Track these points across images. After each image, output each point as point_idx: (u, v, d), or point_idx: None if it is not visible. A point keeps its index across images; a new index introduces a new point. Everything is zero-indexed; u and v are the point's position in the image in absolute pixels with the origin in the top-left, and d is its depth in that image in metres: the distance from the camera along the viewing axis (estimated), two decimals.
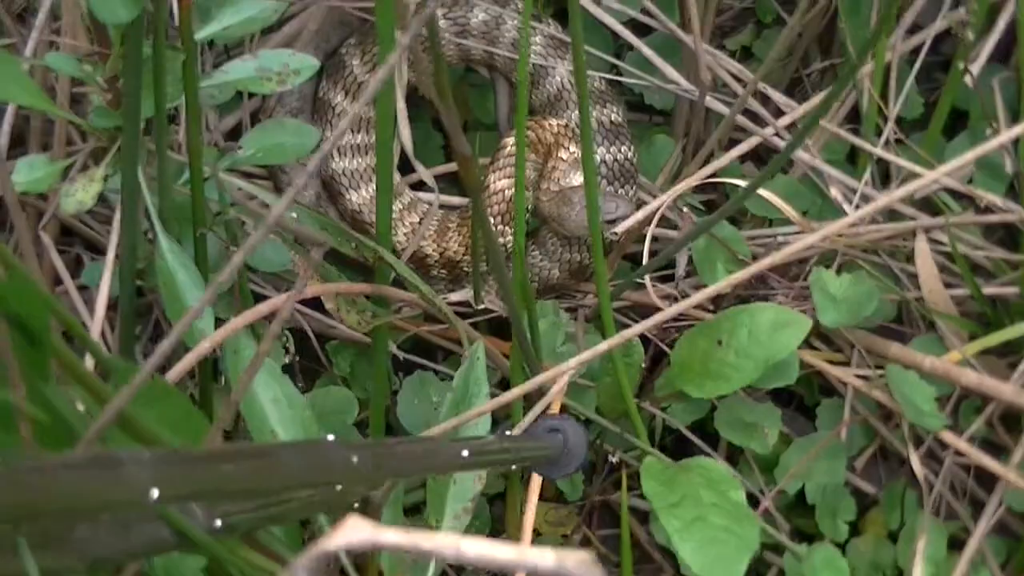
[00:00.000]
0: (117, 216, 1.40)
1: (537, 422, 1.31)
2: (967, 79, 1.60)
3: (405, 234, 1.72)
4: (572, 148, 1.68)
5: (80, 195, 1.30)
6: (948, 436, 1.56)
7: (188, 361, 1.27)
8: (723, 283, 1.52)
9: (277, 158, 1.49)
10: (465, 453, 1.09)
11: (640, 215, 1.64)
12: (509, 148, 1.68)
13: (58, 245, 1.64)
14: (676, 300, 1.58)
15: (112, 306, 1.47)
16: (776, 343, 1.49)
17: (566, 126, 1.69)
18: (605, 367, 1.58)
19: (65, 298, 1.57)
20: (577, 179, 1.68)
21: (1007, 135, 1.45)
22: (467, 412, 1.37)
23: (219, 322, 1.36)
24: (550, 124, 1.69)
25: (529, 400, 1.45)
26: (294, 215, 1.38)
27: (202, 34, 1.33)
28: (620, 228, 1.61)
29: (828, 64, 1.95)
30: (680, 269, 1.68)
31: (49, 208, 1.61)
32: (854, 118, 1.78)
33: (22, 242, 1.43)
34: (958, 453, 1.57)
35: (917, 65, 1.77)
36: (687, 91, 1.72)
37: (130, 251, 1.33)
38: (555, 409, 1.46)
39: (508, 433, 1.34)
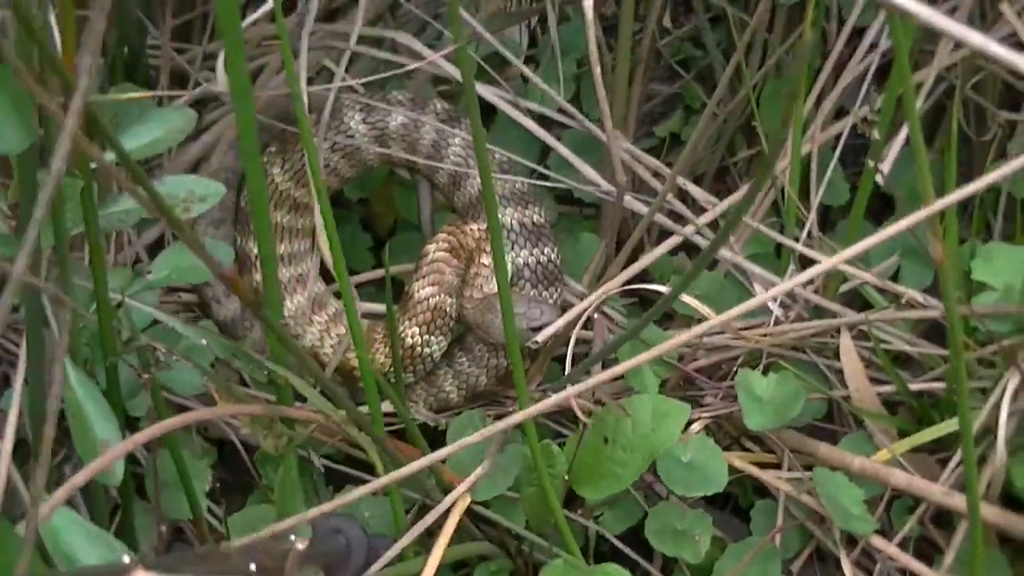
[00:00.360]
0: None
1: (319, 522, 1.29)
2: (878, 177, 1.59)
3: (332, 346, 1.70)
4: None
5: None
6: (878, 541, 1.53)
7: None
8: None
9: (190, 278, 1.47)
10: (253, 567, 1.09)
11: (562, 321, 1.61)
12: (431, 255, 1.67)
13: None
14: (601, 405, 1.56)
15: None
16: (660, 434, 1.49)
17: (487, 230, 1.68)
18: (529, 478, 1.55)
19: None
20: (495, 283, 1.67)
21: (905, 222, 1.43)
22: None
23: None
24: (471, 229, 1.68)
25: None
26: (203, 342, 1.35)
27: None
28: (542, 337, 1.59)
29: (755, 152, 1.95)
30: (596, 379, 1.65)
31: None
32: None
33: None
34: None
35: (838, 151, 1.77)
36: (606, 192, 1.70)
37: (36, 381, 1.31)
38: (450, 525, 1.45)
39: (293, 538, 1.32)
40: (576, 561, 1.49)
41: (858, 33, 1.84)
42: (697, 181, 1.97)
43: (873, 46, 1.85)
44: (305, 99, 1.63)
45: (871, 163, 1.47)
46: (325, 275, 1.77)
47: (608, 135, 1.64)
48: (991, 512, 1.48)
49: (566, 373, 1.63)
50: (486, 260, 1.66)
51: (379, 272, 1.85)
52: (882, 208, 1.89)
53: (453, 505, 1.49)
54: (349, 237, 1.95)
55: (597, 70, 1.54)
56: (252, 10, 1.71)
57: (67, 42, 1.10)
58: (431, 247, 1.68)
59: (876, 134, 1.42)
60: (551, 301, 1.69)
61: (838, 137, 1.77)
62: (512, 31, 2.00)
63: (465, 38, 1.16)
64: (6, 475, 1.22)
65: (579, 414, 1.53)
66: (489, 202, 1.23)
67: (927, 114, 1.83)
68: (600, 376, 1.22)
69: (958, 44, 1.64)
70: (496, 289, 1.64)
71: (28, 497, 1.33)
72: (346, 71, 1.72)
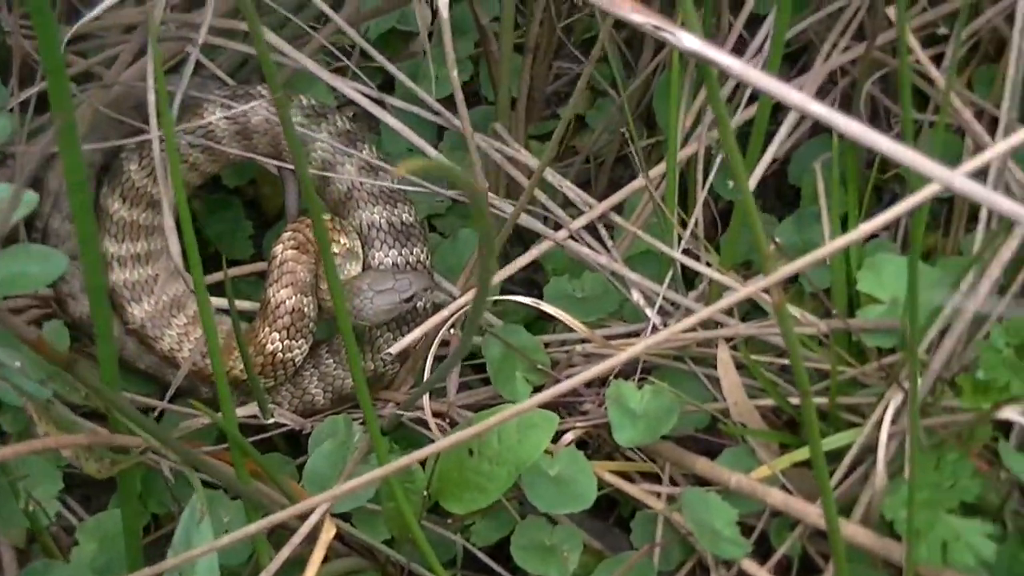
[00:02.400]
0: None
1: None
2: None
3: (190, 350, 1.62)
4: (342, 240, 1.60)
5: None
6: (749, 564, 1.46)
7: None
8: (527, 403, 1.42)
9: (21, 287, 1.37)
10: None
11: (424, 328, 1.54)
12: (280, 256, 1.59)
13: None
14: (451, 422, 1.48)
15: None
16: (526, 446, 1.43)
17: (331, 219, 1.60)
18: (388, 491, 1.47)
19: None
20: (356, 268, 1.60)
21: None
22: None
23: None
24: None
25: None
26: (17, 363, 1.27)
27: None
28: (399, 345, 1.52)
29: (655, 141, 1.86)
30: (452, 387, 1.58)
31: None
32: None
33: None
34: None
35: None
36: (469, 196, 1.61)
37: None
38: (320, 551, 1.37)
39: None
40: None
41: (758, 19, 1.75)
42: (599, 168, 1.90)
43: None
44: (153, 92, 1.53)
45: (729, 184, 1.39)
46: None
47: (468, 140, 1.55)
48: (866, 537, 1.40)
49: (426, 375, 1.55)
50: (335, 248, 1.59)
51: (256, 266, 1.76)
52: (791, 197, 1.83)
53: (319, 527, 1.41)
54: (230, 225, 1.88)
55: None
56: None
57: None
58: (278, 248, 1.60)
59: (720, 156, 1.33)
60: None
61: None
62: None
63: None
64: None
65: (434, 429, 1.46)
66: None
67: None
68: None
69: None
70: (352, 274, 1.59)
71: None
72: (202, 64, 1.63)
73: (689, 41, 0.80)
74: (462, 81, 1.82)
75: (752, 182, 1.55)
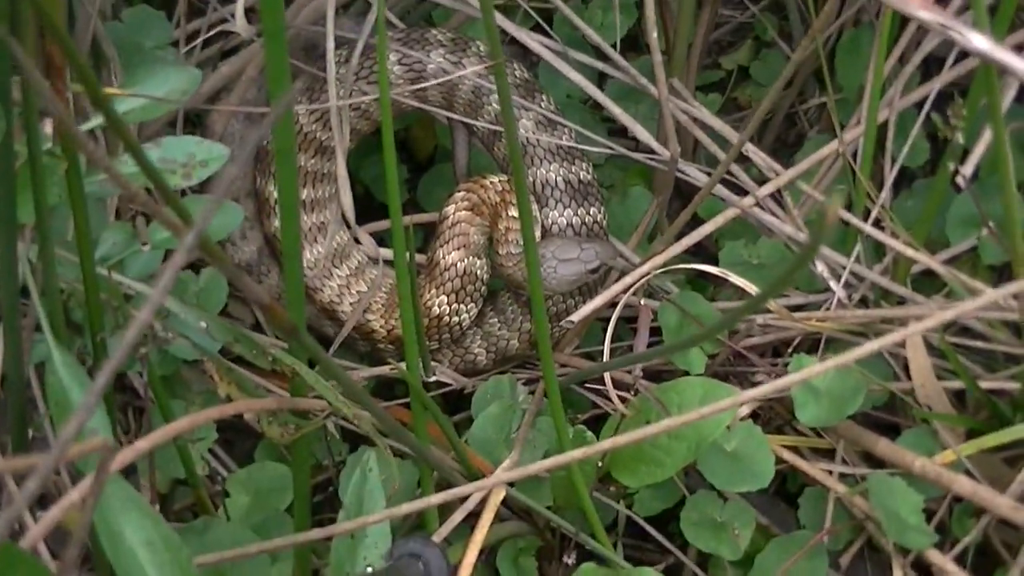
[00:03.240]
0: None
1: (396, 544, 1.19)
2: (959, 180, 1.43)
3: (352, 304, 1.58)
4: None
5: None
6: (934, 555, 1.40)
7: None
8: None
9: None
10: None
11: (602, 299, 1.49)
12: (452, 216, 1.54)
13: None
14: (635, 391, 1.43)
15: None
16: (708, 422, 1.35)
17: (508, 181, 1.54)
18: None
19: None
20: (536, 234, 1.54)
21: None
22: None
23: None
24: (491, 182, 1.55)
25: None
26: (203, 324, 1.23)
27: (93, 123, 1.18)
28: (582, 314, 1.47)
29: (826, 101, 1.78)
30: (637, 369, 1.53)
31: None
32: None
33: None
34: None
35: (921, 117, 1.61)
36: (660, 159, 1.55)
37: (14, 367, 1.19)
38: (488, 517, 1.34)
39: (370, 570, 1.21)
40: (612, 562, 1.38)
41: None
42: (764, 126, 1.83)
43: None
44: (332, 39, 1.48)
45: (950, 166, 1.31)
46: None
47: (662, 99, 1.48)
48: None
49: (606, 345, 1.50)
50: (514, 212, 1.54)
51: (414, 217, 1.71)
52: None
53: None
54: (383, 168, 1.82)
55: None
56: None
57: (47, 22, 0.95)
58: (450, 208, 1.55)
59: (960, 138, 1.26)
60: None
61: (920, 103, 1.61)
62: None
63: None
64: None
65: (616, 404, 1.41)
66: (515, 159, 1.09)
67: None
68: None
69: None
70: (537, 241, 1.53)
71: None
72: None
73: (979, 41, 0.76)
74: (626, 29, 1.77)
75: (969, 168, 1.47)
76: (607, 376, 1.45)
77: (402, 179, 1.83)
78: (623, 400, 1.44)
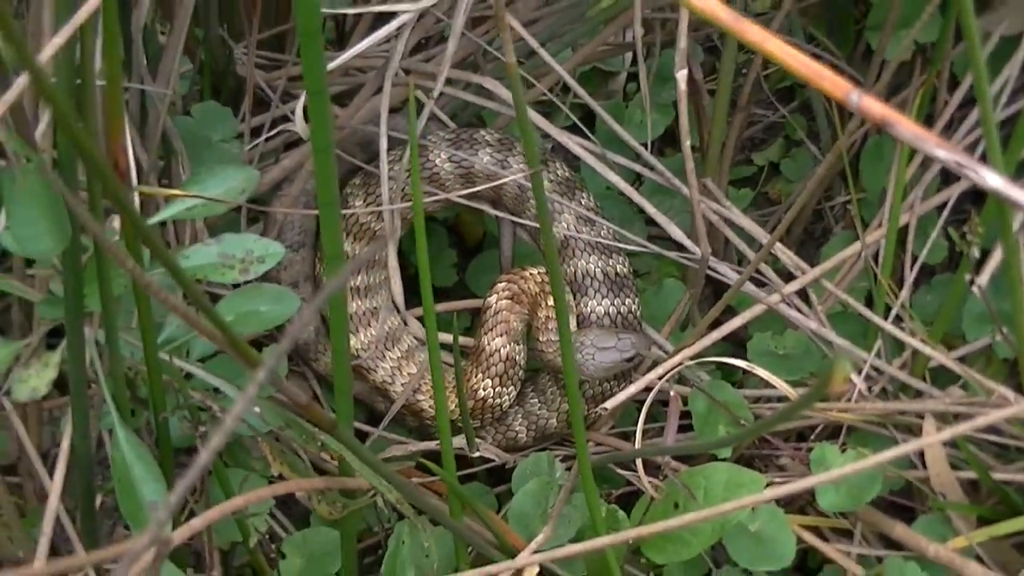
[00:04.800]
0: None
1: None
2: (975, 290, 1.52)
3: (403, 384, 1.69)
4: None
5: (33, 381, 1.25)
6: None
7: None
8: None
9: (252, 327, 1.42)
10: None
11: (636, 387, 1.59)
12: (495, 305, 1.65)
13: None
14: (663, 475, 1.53)
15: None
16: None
17: (547, 272, 1.65)
18: (591, 532, 1.53)
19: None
20: (571, 324, 1.64)
21: None
22: None
23: None
24: (531, 274, 1.66)
25: None
26: (257, 410, 1.33)
27: (159, 218, 1.29)
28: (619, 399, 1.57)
29: (850, 198, 1.88)
30: (669, 440, 1.63)
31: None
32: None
33: None
34: None
35: (942, 219, 1.71)
36: (692, 256, 1.66)
37: (82, 441, 1.30)
38: None
39: None
40: None
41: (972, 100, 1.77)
42: (792, 219, 1.93)
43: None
44: (385, 137, 1.59)
45: (967, 277, 1.41)
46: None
47: (693, 201, 1.59)
48: None
49: (638, 430, 1.60)
50: (551, 301, 1.64)
51: (460, 303, 1.82)
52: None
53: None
54: (434, 252, 1.93)
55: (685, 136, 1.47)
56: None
57: (113, 126, 1.06)
58: (492, 298, 1.66)
59: (975, 252, 1.36)
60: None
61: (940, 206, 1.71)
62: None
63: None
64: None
65: (646, 487, 1.51)
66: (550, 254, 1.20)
67: None
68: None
69: None
70: (572, 329, 1.63)
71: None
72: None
73: (993, 180, 0.83)
74: (663, 128, 1.88)
75: (984, 277, 1.57)
76: (638, 461, 1.54)
77: (452, 263, 1.93)
78: (655, 485, 1.53)
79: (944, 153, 0.84)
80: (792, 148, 2.04)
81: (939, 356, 1.54)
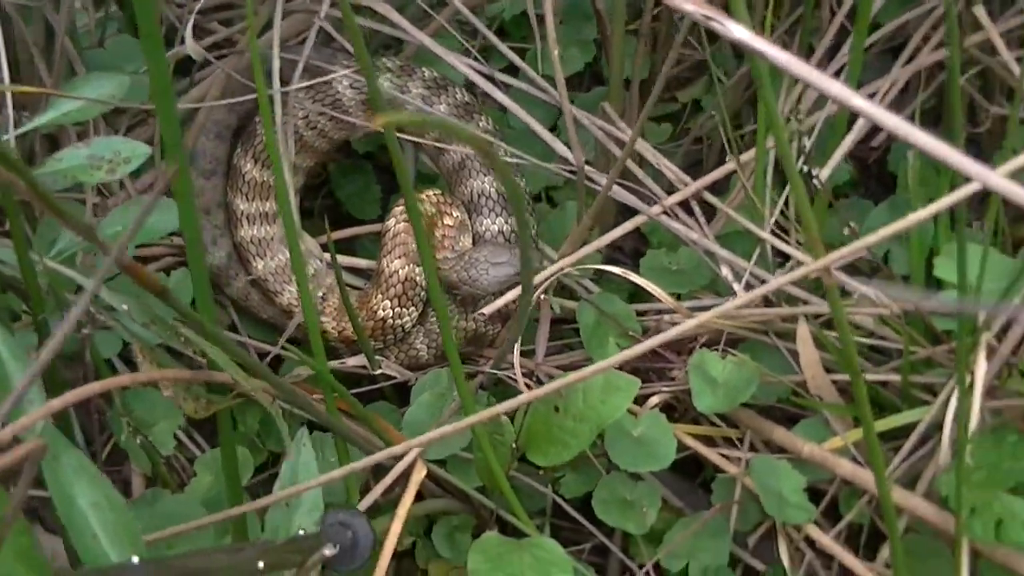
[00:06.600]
0: None
1: (327, 515, 1.33)
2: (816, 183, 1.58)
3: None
4: (455, 213, 1.71)
5: None
6: (814, 531, 1.55)
7: None
8: (616, 358, 1.51)
9: (140, 237, 1.47)
10: (260, 565, 1.13)
11: (514, 292, 1.66)
12: (393, 229, 1.71)
13: None
14: (538, 381, 1.58)
15: None
16: (608, 406, 1.50)
17: (442, 193, 1.71)
18: (477, 441, 1.58)
19: None
20: (467, 241, 1.71)
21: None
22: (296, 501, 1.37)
23: None
24: (427, 195, 1.72)
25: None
26: (125, 307, 1.38)
27: (34, 124, 1.35)
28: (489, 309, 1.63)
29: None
30: (540, 348, 1.69)
31: None
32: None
33: None
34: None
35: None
36: (573, 168, 1.71)
37: None
38: (412, 490, 1.49)
39: (302, 533, 1.35)
40: (527, 531, 1.52)
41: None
42: (708, 149, 1.99)
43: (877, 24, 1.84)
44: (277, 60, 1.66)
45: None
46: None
47: (566, 115, 1.64)
48: (926, 509, 1.48)
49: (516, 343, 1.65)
50: (449, 220, 1.71)
51: (374, 226, 1.88)
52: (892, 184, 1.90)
53: (411, 468, 1.52)
54: (360, 188, 1.99)
55: None
56: None
57: None
58: (390, 222, 1.72)
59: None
60: None
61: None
62: None
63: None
64: None
65: (521, 385, 1.56)
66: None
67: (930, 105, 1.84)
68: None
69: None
70: (466, 246, 1.69)
71: None
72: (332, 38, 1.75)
73: (738, 31, 0.86)
74: (586, 62, 1.94)
75: (826, 172, 1.63)
76: (516, 362, 1.60)
77: (376, 198, 1.99)
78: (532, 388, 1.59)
79: (690, 7, 0.89)
80: (714, 84, 2.08)
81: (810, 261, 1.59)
